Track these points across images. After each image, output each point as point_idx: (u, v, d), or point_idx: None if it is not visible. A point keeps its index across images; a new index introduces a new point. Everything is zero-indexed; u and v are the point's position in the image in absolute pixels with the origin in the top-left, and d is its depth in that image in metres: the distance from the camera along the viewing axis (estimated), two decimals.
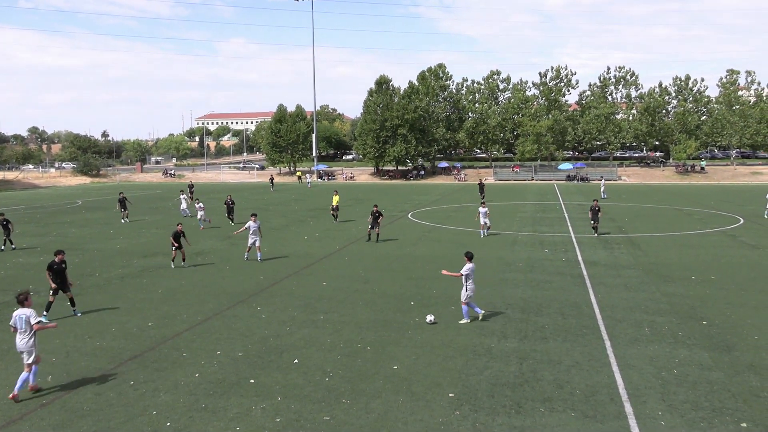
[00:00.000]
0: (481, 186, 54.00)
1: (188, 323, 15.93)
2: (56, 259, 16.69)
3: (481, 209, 31.70)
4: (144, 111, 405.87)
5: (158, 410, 10.64)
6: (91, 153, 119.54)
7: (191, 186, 50.15)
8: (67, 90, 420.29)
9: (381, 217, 29.44)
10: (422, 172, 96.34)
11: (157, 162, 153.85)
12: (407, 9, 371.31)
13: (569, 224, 36.11)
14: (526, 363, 12.72)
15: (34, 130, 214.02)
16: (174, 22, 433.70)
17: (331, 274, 22.13)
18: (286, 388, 11.56)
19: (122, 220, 39.30)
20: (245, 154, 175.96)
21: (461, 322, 15.64)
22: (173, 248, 23.20)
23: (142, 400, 11.07)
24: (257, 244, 24.38)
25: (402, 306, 17.40)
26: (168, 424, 10.11)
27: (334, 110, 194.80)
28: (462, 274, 15.62)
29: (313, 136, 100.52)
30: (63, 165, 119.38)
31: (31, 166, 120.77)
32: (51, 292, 16.66)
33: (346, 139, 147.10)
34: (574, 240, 29.78)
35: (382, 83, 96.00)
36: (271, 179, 76.29)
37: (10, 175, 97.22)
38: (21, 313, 11.45)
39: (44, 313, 16.38)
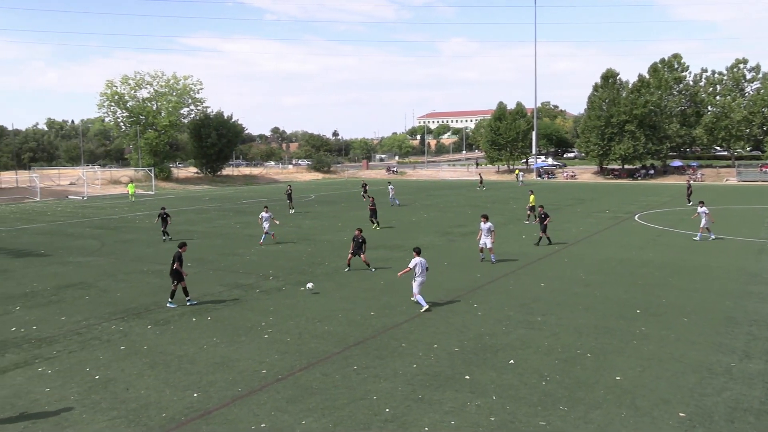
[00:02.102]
0: (689, 188, 48.72)
1: (407, 315, 16.49)
2: (181, 251, 17.91)
3: (700, 209, 28.90)
4: (369, 111, 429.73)
5: (378, 396, 11.14)
6: (323, 151, 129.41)
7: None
8: (304, 93, 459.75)
9: (548, 219, 28.05)
10: (652, 171, 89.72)
11: (381, 159, 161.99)
12: None
13: None
14: None
15: (275, 131, 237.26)
16: (398, 24, 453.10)
17: (549, 275, 21.50)
18: (501, 387, 11.44)
19: (290, 211, 44.22)
20: (464, 151, 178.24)
21: (422, 310, 16.73)
22: (350, 252, 22.57)
23: (363, 385, 11.67)
24: (488, 245, 23.87)
25: (626, 313, 16.33)
26: (387, 410, 10.54)
27: (556, 107, 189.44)
28: (409, 268, 16.84)
29: (533, 133, 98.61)
30: (299, 162, 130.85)
31: (272, 163, 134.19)
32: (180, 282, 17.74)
33: (568, 136, 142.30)
34: None
35: (609, 77, 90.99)
36: (480, 177, 76.20)
37: (256, 170, 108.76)
38: None
39: (169, 300, 17.80)
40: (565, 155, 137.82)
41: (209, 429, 9.99)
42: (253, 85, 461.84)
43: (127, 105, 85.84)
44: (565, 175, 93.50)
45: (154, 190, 72.19)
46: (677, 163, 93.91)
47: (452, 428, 9.85)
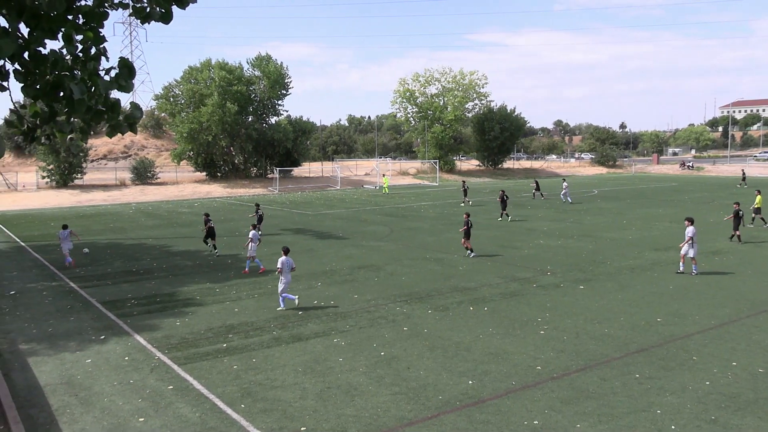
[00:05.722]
0: None
1: (700, 326, 14.90)
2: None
3: None
4: (663, 101, 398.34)
5: (663, 410, 10.25)
6: (609, 144, 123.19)
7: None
8: (589, 84, 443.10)
9: (731, 216, 25.53)
10: None
11: (675, 153, 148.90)
12: None
13: None
14: None
15: (558, 123, 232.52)
16: (700, 5, 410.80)
17: None
18: None
19: (461, 204, 45.45)
20: None
21: (278, 309, 16.86)
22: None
23: (646, 396, 10.83)
24: (690, 254, 20.59)
25: None
26: (672, 427, 9.64)
27: None
28: (279, 269, 16.65)
29: None
30: (581, 155, 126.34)
31: (554, 156, 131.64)
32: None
33: None
34: None
35: None
36: (743, 173, 64.65)
37: (537, 164, 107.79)
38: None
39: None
40: None
41: (482, 417, 10.14)
42: (537, 78, 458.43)
43: (417, 101, 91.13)
44: None
45: (438, 181, 75.69)
46: None
47: None
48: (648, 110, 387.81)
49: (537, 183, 53.11)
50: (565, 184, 48.66)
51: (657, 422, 9.84)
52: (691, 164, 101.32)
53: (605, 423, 9.84)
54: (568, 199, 46.75)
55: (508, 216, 35.94)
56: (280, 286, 16.93)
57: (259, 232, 24.03)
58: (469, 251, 24.50)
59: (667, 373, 11.87)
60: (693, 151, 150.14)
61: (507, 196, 36.62)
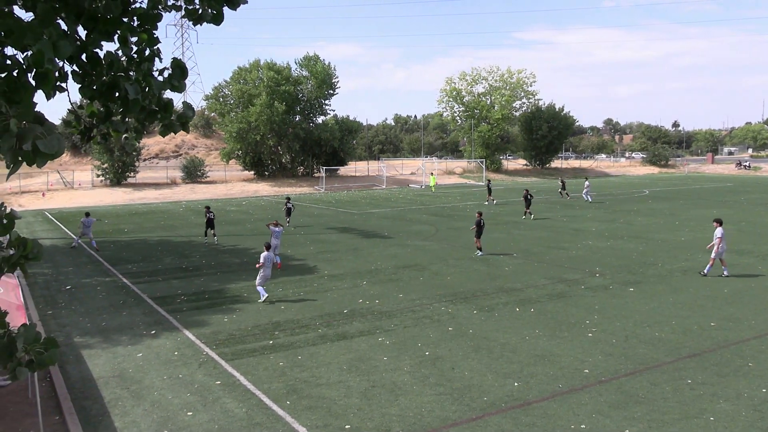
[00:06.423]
0: None
1: (756, 331, 14.42)
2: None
3: None
4: (718, 99, 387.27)
5: (716, 417, 9.96)
6: (661, 143, 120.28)
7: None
8: (640, 82, 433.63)
9: None
10: None
11: (730, 153, 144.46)
12: None
13: None
14: None
15: (608, 122, 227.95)
16: None
17: None
18: None
19: (486, 203, 45.93)
20: None
21: (259, 301, 17.62)
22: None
23: (698, 402, 10.54)
24: (712, 255, 19.95)
25: None
26: None
27: None
28: (261, 263, 17.55)
29: None
30: (633, 155, 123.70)
31: (603, 156, 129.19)
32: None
33: None
34: None
35: None
36: None
37: (585, 163, 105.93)
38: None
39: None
40: None
41: (528, 420, 10.02)
42: (586, 76, 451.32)
43: (464, 100, 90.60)
44: None
45: (485, 181, 75.13)
46: None
47: None
48: (702, 108, 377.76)
49: (563, 182, 52.50)
50: (587, 183, 49.20)
51: (710, 429, 9.56)
52: (747, 164, 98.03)
53: (655, 429, 9.61)
54: (589, 198, 46.88)
55: (531, 214, 36.32)
56: (258, 279, 17.85)
57: (284, 226, 24.50)
58: (478, 250, 24.83)
59: (721, 379, 11.52)
60: (750, 151, 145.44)
61: (531, 195, 37.21)
